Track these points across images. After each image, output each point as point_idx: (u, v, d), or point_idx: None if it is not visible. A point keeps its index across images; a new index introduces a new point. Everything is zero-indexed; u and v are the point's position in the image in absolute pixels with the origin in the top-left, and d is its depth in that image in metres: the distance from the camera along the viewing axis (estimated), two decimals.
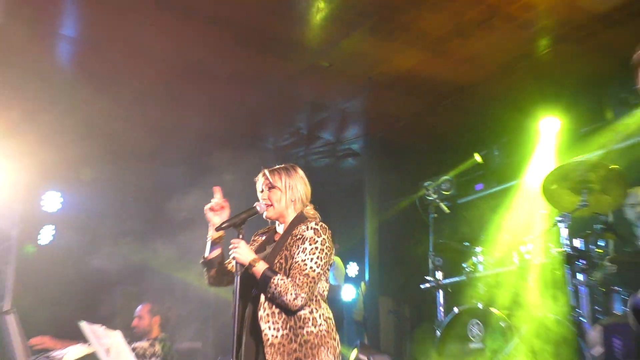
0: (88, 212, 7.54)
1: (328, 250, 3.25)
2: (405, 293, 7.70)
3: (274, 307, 3.14)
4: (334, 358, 3.17)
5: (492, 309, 4.95)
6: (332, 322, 3.28)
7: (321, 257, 3.21)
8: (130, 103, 6.74)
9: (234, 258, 3.17)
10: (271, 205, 3.37)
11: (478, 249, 5.41)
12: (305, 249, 3.19)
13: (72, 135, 6.56)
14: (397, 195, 7.96)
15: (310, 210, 3.46)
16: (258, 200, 3.40)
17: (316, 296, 3.23)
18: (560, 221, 4.82)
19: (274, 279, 3.10)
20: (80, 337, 5.07)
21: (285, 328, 3.12)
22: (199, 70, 6.34)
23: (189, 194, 5.84)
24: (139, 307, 5.73)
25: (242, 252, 3.18)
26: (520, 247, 5.09)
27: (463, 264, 5.50)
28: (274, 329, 3.12)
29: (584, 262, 4.60)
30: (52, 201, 7.26)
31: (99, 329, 4.56)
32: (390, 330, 7.56)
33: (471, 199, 7.42)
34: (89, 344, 4.70)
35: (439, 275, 5.72)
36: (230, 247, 3.20)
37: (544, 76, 6.27)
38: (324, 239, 3.24)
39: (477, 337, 5.01)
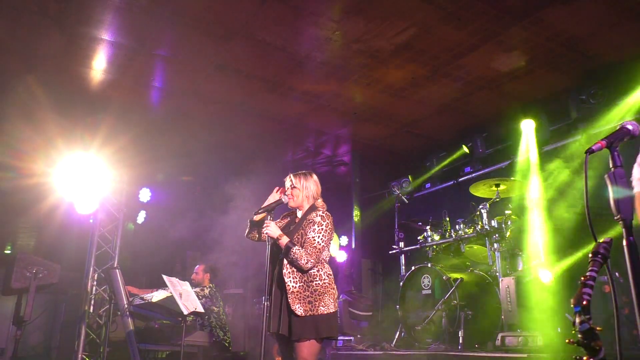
0: (168, 201, 7.54)
1: (330, 231, 3.30)
2: (379, 256, 7.69)
3: (293, 267, 3.20)
4: (334, 301, 3.23)
5: (437, 267, 4.94)
6: (332, 277, 3.34)
7: (325, 235, 3.26)
8: (199, 130, 6.79)
9: (266, 234, 3.24)
10: (292, 199, 3.42)
11: (427, 227, 5.39)
12: (315, 229, 3.24)
13: (157, 152, 6.61)
14: (373, 191, 7.95)
15: (320, 202, 3.48)
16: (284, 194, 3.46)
17: (321, 260, 3.28)
18: (481, 208, 4.82)
19: (293, 249, 3.17)
20: (162, 285, 5.09)
21: (301, 281, 3.18)
22: (242, 109, 6.34)
23: (236, 186, 5.84)
24: (197, 266, 5.75)
25: (272, 229, 3.28)
26: (456, 226, 5.08)
27: (417, 237, 5.48)
28: (293, 282, 3.17)
29: (497, 236, 4.59)
30: (145, 194, 7.27)
31: (175, 280, 4.57)
32: (369, 281, 7.54)
33: (423, 194, 7.39)
34: (168, 290, 4.73)
35: (401, 244, 5.70)
36: (264, 226, 3.27)
37: (467, 113, 6.26)
38: (327, 222, 3.29)
39: (427, 286, 5.00)
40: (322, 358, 3.28)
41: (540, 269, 4.18)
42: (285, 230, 3.43)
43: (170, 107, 6.35)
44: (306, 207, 3.44)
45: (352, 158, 7.98)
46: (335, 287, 3.30)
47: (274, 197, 3.46)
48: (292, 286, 3.16)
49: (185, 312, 4.27)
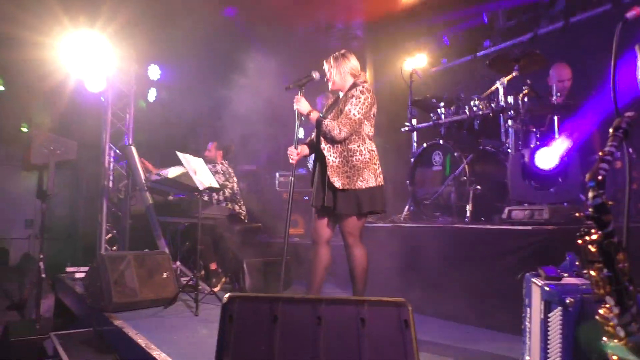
0: (178, 77, 7.40)
1: (369, 103, 3.26)
2: (392, 134, 7.66)
3: (328, 143, 3.25)
4: (374, 177, 3.28)
5: (449, 144, 4.92)
6: (374, 153, 3.35)
7: (362, 107, 3.22)
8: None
9: (296, 109, 3.27)
10: (330, 80, 3.40)
11: (440, 104, 5.28)
12: (352, 102, 3.23)
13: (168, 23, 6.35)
14: (387, 67, 7.70)
15: (362, 77, 3.42)
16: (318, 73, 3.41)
17: (362, 135, 3.29)
18: (499, 84, 4.67)
19: (325, 122, 3.21)
20: (176, 162, 5.18)
21: (340, 156, 3.24)
22: None
23: (249, 62, 5.69)
24: (209, 143, 5.80)
25: (302, 105, 3.31)
26: (471, 103, 4.96)
27: (430, 114, 5.41)
28: (333, 156, 3.24)
29: (512, 112, 4.50)
30: (154, 71, 7.13)
31: (189, 156, 4.65)
32: (382, 157, 7.58)
33: (438, 69, 7.14)
34: (183, 166, 4.83)
35: (414, 121, 5.65)
36: (294, 101, 3.28)
37: None
38: (366, 96, 3.25)
39: (438, 162, 5.03)
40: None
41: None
42: (327, 110, 3.46)
43: None
44: (346, 87, 3.41)
45: (365, 31, 7.63)
46: (378, 163, 3.34)
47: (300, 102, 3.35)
48: (332, 161, 3.24)
49: (201, 188, 4.39)
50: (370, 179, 3.26)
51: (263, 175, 7.37)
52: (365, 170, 3.25)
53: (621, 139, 1.39)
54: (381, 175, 3.36)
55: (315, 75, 3.38)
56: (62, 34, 5.84)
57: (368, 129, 3.35)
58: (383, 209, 3.34)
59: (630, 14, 1.69)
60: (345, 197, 3.23)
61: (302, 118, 3.33)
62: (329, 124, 3.21)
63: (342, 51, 3.45)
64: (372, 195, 3.27)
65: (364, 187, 3.23)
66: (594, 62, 4.70)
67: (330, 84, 3.42)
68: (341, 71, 3.39)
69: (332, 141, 3.26)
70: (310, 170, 3.43)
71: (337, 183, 3.21)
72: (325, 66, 3.43)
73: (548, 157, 3.87)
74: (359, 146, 3.28)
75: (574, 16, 5.57)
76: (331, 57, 3.43)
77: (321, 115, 3.35)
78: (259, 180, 7.39)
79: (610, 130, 1.41)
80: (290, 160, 3.35)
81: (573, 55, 5.22)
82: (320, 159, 3.34)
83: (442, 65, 7.05)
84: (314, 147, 3.42)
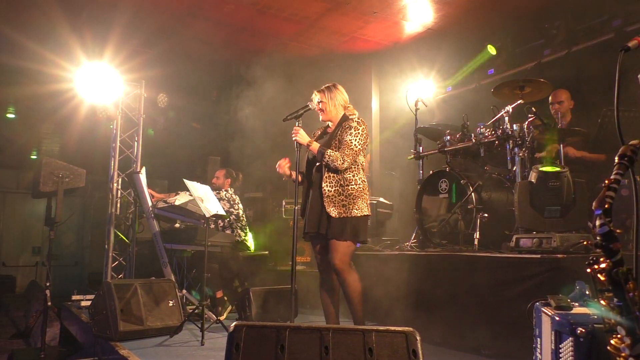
0: (186, 106, 7.51)
1: (366, 135, 3.43)
2: (398, 161, 7.68)
3: (329, 172, 3.35)
4: (367, 205, 3.44)
5: (455, 171, 4.92)
6: (366, 183, 3.51)
7: (361, 139, 3.39)
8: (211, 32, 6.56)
9: (295, 140, 3.35)
10: (323, 113, 3.52)
11: (447, 131, 5.30)
12: (351, 133, 3.36)
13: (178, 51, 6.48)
14: (393, 94, 7.74)
15: (350, 108, 3.57)
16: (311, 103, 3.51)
17: (357, 166, 3.42)
18: (504, 111, 4.70)
19: (328, 152, 3.32)
20: (183, 189, 5.21)
21: (337, 185, 3.36)
22: (256, 9, 6.06)
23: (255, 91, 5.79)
24: (217, 171, 5.85)
25: (301, 136, 3.41)
26: (477, 130, 4.98)
27: (436, 141, 5.41)
28: (329, 186, 3.35)
29: (518, 140, 4.51)
30: (162, 100, 7.22)
31: (196, 184, 4.67)
32: (386, 185, 7.59)
33: (443, 97, 7.19)
34: (190, 194, 4.85)
35: (420, 149, 5.65)
36: (292, 132, 3.36)
37: (494, 11, 5.87)
38: (363, 128, 3.42)
39: (444, 190, 5.02)
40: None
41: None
42: (319, 140, 3.55)
43: (183, 7, 6.10)
44: (338, 118, 3.54)
45: (370, 59, 7.73)
46: (368, 192, 3.46)
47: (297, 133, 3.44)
48: (328, 190, 3.34)
49: (207, 215, 4.40)
50: (364, 207, 3.41)
51: (270, 203, 7.38)
52: (360, 199, 3.39)
53: (627, 167, 1.40)
54: (369, 204, 3.50)
55: (312, 105, 3.49)
56: (74, 65, 5.97)
57: (362, 159, 3.50)
58: (366, 238, 3.51)
59: (632, 44, 1.72)
60: (340, 224, 3.32)
61: (300, 148, 3.41)
62: (332, 154, 3.32)
63: (333, 83, 3.60)
64: (364, 223, 3.43)
65: (359, 214, 3.35)
66: (597, 88, 4.74)
67: (322, 115, 3.53)
68: (335, 102, 3.52)
69: (334, 171, 3.34)
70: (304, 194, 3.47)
71: (333, 212, 3.31)
72: (317, 96, 3.54)
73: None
74: (354, 176, 3.42)
75: (577, 45, 5.63)
76: (324, 88, 3.55)
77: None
78: (266, 207, 7.40)
79: (616, 158, 1.42)
80: (278, 169, 3.49)
81: (576, 82, 5.26)
82: (315, 187, 3.41)
83: (447, 93, 7.10)
84: (307, 176, 3.50)
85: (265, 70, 6.00)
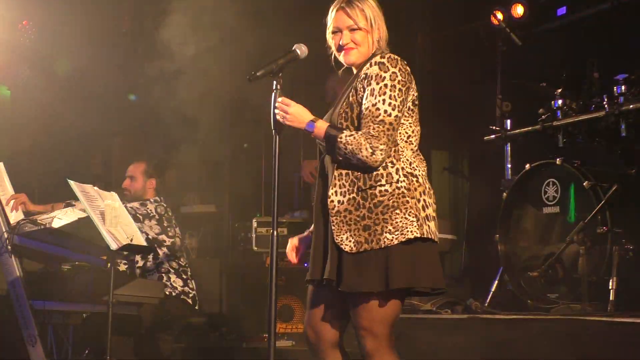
0: (70, 42, 7.50)
1: (402, 85, 3.23)
2: (463, 146, 7.68)
3: (339, 166, 3.26)
4: (418, 222, 3.19)
5: (574, 166, 4.91)
6: (420, 179, 3.28)
7: (394, 96, 3.20)
8: None
9: (283, 122, 3.26)
10: (355, 48, 3.38)
11: (557, 91, 5.28)
12: (373, 89, 3.20)
13: None
14: (455, 24, 7.77)
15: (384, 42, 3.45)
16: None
17: (397, 148, 3.27)
18: None
19: (341, 138, 3.17)
20: (68, 198, 5.17)
21: (353, 191, 3.22)
22: None
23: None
24: (131, 165, 5.80)
25: (295, 112, 3.25)
26: (614, 89, 4.96)
27: (538, 111, 5.40)
28: (340, 193, 3.24)
29: None
30: (27, 31, 7.20)
31: (91, 189, 4.63)
32: (445, 190, 7.60)
33: (550, 28, 7.19)
34: (80, 207, 4.80)
35: (507, 124, 5.64)
36: (277, 107, 3.26)
37: None
38: (393, 72, 3.22)
39: (553, 199, 5.01)
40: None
41: None
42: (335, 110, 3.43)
43: None
44: (350, 60, 3.42)
45: None
46: (426, 197, 3.26)
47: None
48: (338, 201, 3.23)
49: (114, 247, 4.37)
50: (410, 226, 3.18)
51: (228, 224, 7.37)
52: (399, 211, 3.19)
53: None
54: (434, 221, 3.32)
55: (301, 50, 3.39)
56: None
57: (406, 133, 3.35)
58: (441, 285, 3.32)
59: None
60: (360, 263, 3.23)
61: (281, 131, 3.33)
62: (350, 140, 3.19)
63: None
64: (414, 256, 3.20)
65: (395, 241, 3.20)
66: None
67: (350, 54, 3.43)
68: (380, 29, 3.41)
69: (361, 168, 3.25)
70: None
71: (347, 243, 3.20)
72: (347, 16, 3.42)
73: None
74: (385, 167, 3.27)
75: None
76: (362, 2, 3.44)
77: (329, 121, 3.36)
78: (221, 231, 7.40)
79: None
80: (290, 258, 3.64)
81: None
82: (319, 199, 3.38)
83: (558, 21, 7.11)
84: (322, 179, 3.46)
85: None
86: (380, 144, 3.13)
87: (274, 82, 3.29)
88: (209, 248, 7.29)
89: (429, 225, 3.21)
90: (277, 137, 3.29)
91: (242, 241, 6.92)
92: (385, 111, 3.16)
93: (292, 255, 3.64)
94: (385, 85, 3.19)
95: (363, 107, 3.22)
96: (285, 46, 3.40)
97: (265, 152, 7.12)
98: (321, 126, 3.24)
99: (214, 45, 5.84)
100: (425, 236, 3.17)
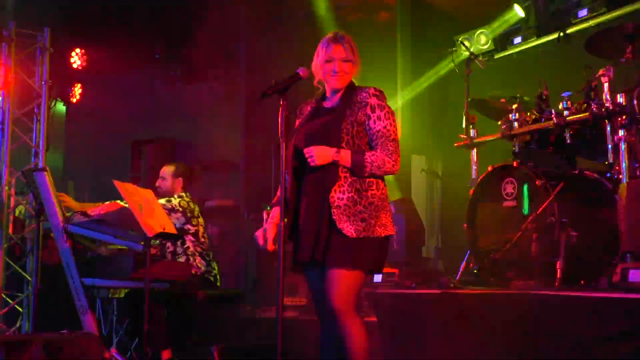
0: (114, 68, 7.48)
1: (392, 111, 3.49)
2: (438, 151, 7.69)
3: (341, 170, 3.34)
4: (392, 220, 3.49)
5: (527, 167, 4.92)
6: (386, 188, 3.53)
7: (394, 119, 3.46)
8: None
9: (312, 164, 3.32)
10: (343, 73, 3.47)
11: (513, 106, 5.30)
12: (380, 116, 3.39)
13: None
14: (430, 50, 7.77)
15: None
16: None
17: None
18: (602, 75, 4.69)
19: (367, 160, 3.32)
20: (112, 196, 5.18)
21: (351, 190, 3.35)
22: None
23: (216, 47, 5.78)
24: (163, 168, 5.81)
25: (319, 154, 3.30)
26: (560, 105, 4.98)
27: (498, 122, 5.41)
28: (340, 191, 3.35)
29: (626, 118, 4.51)
30: (78, 58, 7.17)
31: (132, 187, 4.64)
32: (422, 188, 7.61)
33: (508, 54, 7.19)
34: (122, 202, 4.81)
35: (473, 133, 5.65)
36: (306, 154, 3.32)
37: None
38: (386, 102, 3.46)
39: (511, 195, 5.01)
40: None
41: None
42: (313, 121, 3.53)
43: None
44: (337, 86, 3.52)
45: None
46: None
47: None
48: (339, 198, 3.32)
49: (150, 234, 4.37)
50: (389, 224, 3.44)
51: (245, 215, 7.36)
52: (383, 211, 3.41)
53: None
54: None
55: (304, 73, 3.44)
56: None
57: None
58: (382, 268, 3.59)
59: None
60: (355, 247, 3.30)
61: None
62: (374, 159, 3.32)
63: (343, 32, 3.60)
64: (386, 247, 3.49)
65: (383, 234, 3.38)
66: None
67: (336, 81, 3.48)
68: (357, 67, 3.54)
69: (377, 176, 3.41)
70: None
71: (349, 229, 3.30)
72: (341, 50, 3.47)
73: None
74: (375, 178, 3.43)
75: None
76: (351, 40, 3.52)
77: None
78: (239, 222, 7.39)
79: None
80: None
81: None
82: (311, 194, 3.42)
83: (515, 48, 7.11)
84: (295, 176, 3.51)
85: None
86: (397, 157, 3.40)
87: (280, 99, 3.35)
88: (227, 235, 7.27)
89: (392, 223, 3.49)
90: (284, 143, 3.34)
91: (254, 230, 6.91)
92: (394, 132, 3.42)
93: (270, 244, 3.59)
94: (388, 112, 3.42)
95: (373, 129, 3.39)
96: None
97: (275, 154, 7.12)
98: (347, 156, 3.32)
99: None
100: (392, 233, 3.46)
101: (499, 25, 6.94)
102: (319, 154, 3.31)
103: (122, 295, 5.61)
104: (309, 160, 3.34)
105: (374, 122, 3.37)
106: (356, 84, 3.56)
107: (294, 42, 7.18)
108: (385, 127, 3.37)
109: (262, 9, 7.30)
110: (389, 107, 3.45)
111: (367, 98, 3.41)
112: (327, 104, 3.57)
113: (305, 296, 6.47)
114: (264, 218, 6.52)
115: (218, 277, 5.73)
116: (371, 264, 3.41)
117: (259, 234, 3.63)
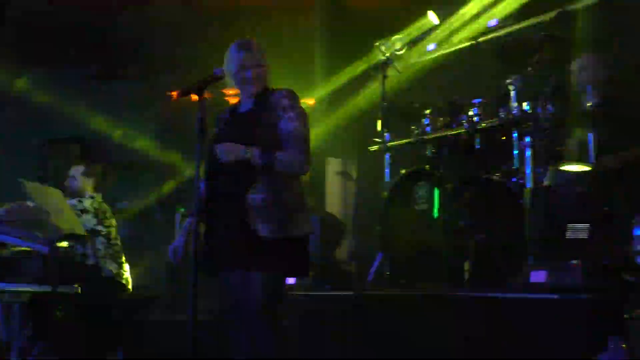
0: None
1: (305, 112, 3.47)
2: (355, 155, 7.71)
3: (255, 171, 3.29)
4: (309, 223, 3.50)
5: (439, 172, 5.01)
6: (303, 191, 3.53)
7: (305, 120, 3.44)
8: None
9: (220, 159, 3.28)
10: (256, 79, 3.48)
11: (426, 112, 5.38)
12: (292, 117, 3.36)
13: None
14: (347, 55, 7.80)
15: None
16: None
17: None
18: (510, 84, 4.81)
19: (276, 159, 3.27)
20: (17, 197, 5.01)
21: (266, 191, 3.29)
22: None
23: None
24: (73, 168, 5.67)
25: (231, 150, 3.27)
26: (470, 112, 5.08)
27: (412, 126, 5.48)
28: (254, 191, 3.28)
29: (531, 124, 4.64)
30: None
31: (39, 186, 4.53)
32: (337, 190, 7.62)
33: (422, 61, 7.29)
34: (29, 203, 4.66)
35: (387, 137, 5.70)
36: (219, 152, 3.29)
37: None
38: (299, 104, 3.46)
39: (423, 199, 5.08)
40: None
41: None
42: (229, 128, 3.53)
43: None
44: (251, 92, 3.51)
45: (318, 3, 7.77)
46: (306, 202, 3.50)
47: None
48: (252, 199, 3.26)
49: (58, 235, 4.26)
50: (305, 225, 3.42)
51: (157, 215, 7.25)
52: (300, 212, 3.40)
53: None
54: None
55: (221, 73, 3.42)
56: None
57: None
58: (307, 271, 3.55)
59: None
60: (270, 249, 3.28)
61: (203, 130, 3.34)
62: (283, 159, 3.28)
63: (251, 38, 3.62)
64: (306, 248, 3.44)
65: (299, 234, 3.36)
66: None
67: (252, 86, 3.49)
68: (267, 70, 3.53)
69: (288, 176, 3.38)
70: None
71: (264, 230, 3.25)
72: (249, 54, 3.48)
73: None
74: (292, 179, 3.41)
75: None
76: (257, 44, 3.54)
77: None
78: (151, 222, 7.27)
79: None
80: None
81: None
82: (226, 196, 3.39)
83: (429, 55, 7.21)
84: (211, 179, 3.47)
85: None
86: (308, 156, 3.38)
87: (198, 100, 3.32)
88: (139, 236, 7.14)
89: (312, 225, 3.57)
90: (199, 143, 3.29)
91: (168, 230, 6.82)
92: (306, 132, 3.41)
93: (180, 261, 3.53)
94: (300, 113, 3.41)
95: (285, 130, 3.35)
96: None
97: (191, 154, 7.05)
98: (257, 154, 3.26)
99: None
100: (310, 231, 3.48)
101: (414, 31, 7.01)
102: (227, 150, 3.29)
103: (25, 301, 5.44)
104: (219, 156, 3.32)
105: (285, 123, 3.36)
106: (271, 86, 3.56)
107: (214, 43, 7.08)
108: (296, 127, 3.36)
109: (180, 9, 7.21)
110: (302, 109, 3.45)
111: (279, 99, 3.41)
112: (242, 109, 3.57)
113: (220, 299, 6.41)
114: (177, 220, 6.46)
115: (129, 280, 5.63)
116: (289, 265, 3.37)
117: (172, 249, 3.53)
